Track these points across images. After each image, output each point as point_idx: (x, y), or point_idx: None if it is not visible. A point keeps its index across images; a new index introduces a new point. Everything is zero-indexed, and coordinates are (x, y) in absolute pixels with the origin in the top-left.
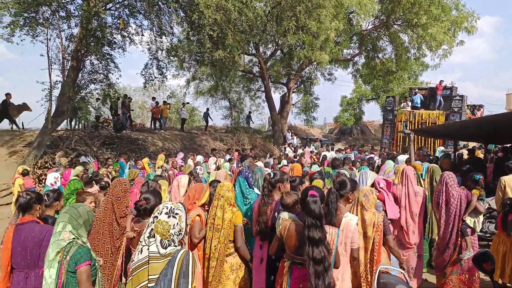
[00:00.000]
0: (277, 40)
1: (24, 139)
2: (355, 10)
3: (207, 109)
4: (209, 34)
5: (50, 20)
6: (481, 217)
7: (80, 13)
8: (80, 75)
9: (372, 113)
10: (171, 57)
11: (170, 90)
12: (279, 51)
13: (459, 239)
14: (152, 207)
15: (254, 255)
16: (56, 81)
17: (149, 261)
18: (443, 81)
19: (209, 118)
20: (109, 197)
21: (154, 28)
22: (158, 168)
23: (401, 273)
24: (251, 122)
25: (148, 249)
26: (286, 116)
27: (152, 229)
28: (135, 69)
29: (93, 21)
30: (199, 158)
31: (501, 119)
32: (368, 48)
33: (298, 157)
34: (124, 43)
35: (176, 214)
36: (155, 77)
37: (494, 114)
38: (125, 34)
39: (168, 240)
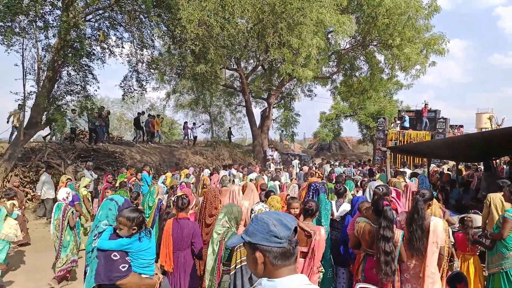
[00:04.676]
0: (258, 55)
1: None
2: (334, 29)
3: (230, 127)
4: (191, 48)
5: (26, 29)
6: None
7: (58, 23)
8: (56, 86)
9: (350, 129)
10: (152, 70)
11: (149, 102)
12: (260, 67)
13: None
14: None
15: None
16: (31, 91)
17: None
18: (427, 104)
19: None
20: (204, 202)
21: (134, 40)
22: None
23: None
24: (232, 136)
25: None
26: (266, 131)
27: None
28: (113, 80)
29: (72, 32)
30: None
31: (463, 140)
32: (346, 67)
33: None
34: (103, 54)
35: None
36: (134, 90)
37: (459, 134)
38: (104, 46)
39: None
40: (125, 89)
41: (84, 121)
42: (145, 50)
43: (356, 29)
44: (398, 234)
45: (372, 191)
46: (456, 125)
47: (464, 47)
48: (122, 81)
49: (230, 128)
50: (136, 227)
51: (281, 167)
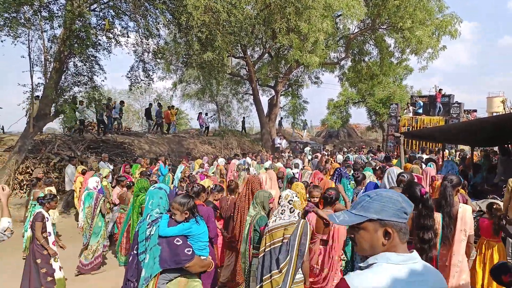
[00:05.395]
0: (265, 42)
1: (4, 143)
2: (343, 13)
3: (244, 117)
4: (198, 35)
5: (32, 20)
6: None
7: (63, 13)
8: (63, 77)
9: (358, 116)
10: (158, 60)
11: (156, 93)
12: (266, 54)
13: None
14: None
15: None
16: (38, 83)
17: (288, 226)
18: (442, 89)
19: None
20: (248, 189)
21: (140, 30)
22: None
23: None
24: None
25: (289, 218)
26: (274, 119)
27: (292, 207)
28: (120, 72)
29: (77, 22)
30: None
31: (476, 123)
32: (355, 52)
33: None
34: (109, 44)
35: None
36: (141, 80)
37: (477, 118)
38: (110, 35)
39: (299, 212)
40: (132, 80)
41: (92, 112)
42: (150, 39)
43: (366, 12)
44: (438, 217)
45: (391, 177)
46: (470, 110)
47: (472, 30)
48: (129, 72)
49: (244, 117)
50: (188, 212)
51: (290, 155)
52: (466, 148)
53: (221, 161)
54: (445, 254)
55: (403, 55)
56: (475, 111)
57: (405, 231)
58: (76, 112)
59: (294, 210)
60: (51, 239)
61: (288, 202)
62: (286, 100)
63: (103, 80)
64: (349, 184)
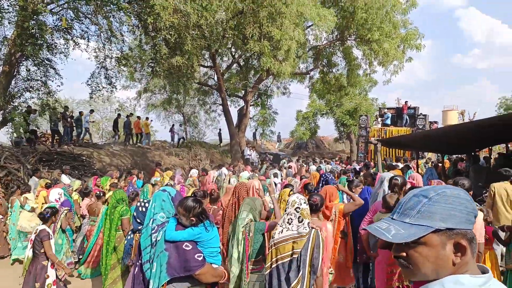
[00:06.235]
0: (235, 51)
1: None
2: (314, 22)
3: (220, 129)
4: (166, 38)
5: None
6: None
7: (15, 9)
8: (13, 82)
9: (326, 127)
10: (122, 66)
11: (118, 102)
12: (235, 64)
13: None
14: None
15: None
16: None
17: (296, 238)
18: (407, 101)
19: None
20: (235, 197)
21: (102, 34)
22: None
23: None
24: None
25: (297, 229)
26: (244, 130)
27: (300, 216)
28: (78, 83)
29: (31, 20)
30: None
31: (449, 131)
32: (323, 63)
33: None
34: (67, 47)
35: (306, 201)
36: (103, 87)
37: (452, 125)
38: (68, 37)
39: (309, 222)
40: (93, 87)
41: (46, 120)
42: (113, 44)
43: (336, 22)
44: None
45: (385, 182)
46: (432, 122)
47: (428, 47)
48: (89, 78)
49: (220, 129)
50: (194, 218)
51: (266, 165)
52: (433, 157)
53: (194, 172)
54: None
55: (370, 67)
56: (436, 122)
57: (476, 242)
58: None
59: (303, 220)
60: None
61: (295, 210)
62: (255, 110)
63: (59, 86)
64: None
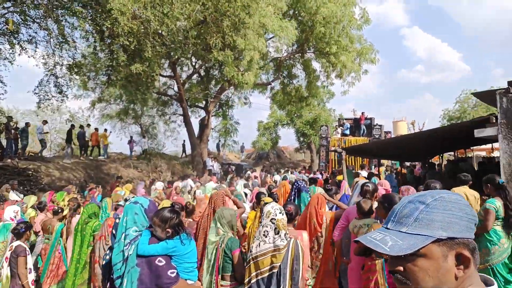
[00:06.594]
0: (196, 60)
1: None
2: (276, 33)
3: (184, 140)
4: (124, 45)
5: None
6: None
7: None
8: None
9: (286, 137)
10: (73, 74)
11: (69, 113)
12: (196, 75)
13: None
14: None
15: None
16: None
17: (274, 252)
18: (364, 112)
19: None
20: (210, 207)
21: (52, 39)
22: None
23: None
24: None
25: (273, 242)
26: (206, 141)
27: (276, 228)
28: (23, 93)
29: None
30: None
31: (417, 138)
32: (284, 75)
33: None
34: (12, 52)
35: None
36: (53, 96)
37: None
38: (14, 41)
39: (286, 233)
40: (41, 96)
41: None
42: (65, 51)
43: (296, 35)
44: None
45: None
46: (386, 132)
47: (374, 65)
48: (37, 87)
49: (184, 141)
50: (170, 229)
51: (230, 176)
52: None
53: (159, 184)
54: None
55: (328, 79)
56: (389, 132)
57: (477, 252)
58: None
59: (279, 232)
60: (31, 277)
61: (271, 221)
62: (217, 121)
63: (3, 94)
64: (309, 197)
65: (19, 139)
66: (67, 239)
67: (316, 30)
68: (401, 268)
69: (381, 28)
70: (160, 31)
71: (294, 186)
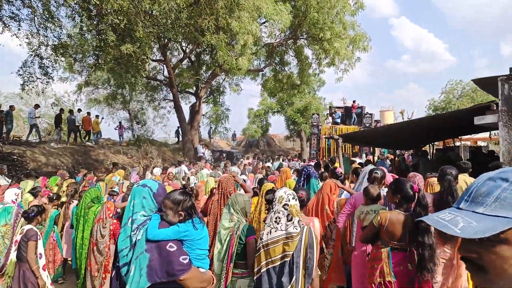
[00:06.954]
0: (186, 45)
1: None
2: (271, 17)
3: (178, 127)
4: (113, 24)
5: None
6: None
7: None
8: None
9: (276, 125)
10: (59, 55)
11: (55, 96)
12: (186, 60)
13: None
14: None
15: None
16: None
17: (287, 239)
18: (355, 101)
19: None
20: (220, 193)
21: (36, 17)
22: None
23: None
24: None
25: (286, 229)
26: (197, 127)
27: (289, 214)
28: (6, 75)
29: None
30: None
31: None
32: (276, 61)
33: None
34: None
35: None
36: (38, 78)
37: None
38: None
39: (299, 219)
40: (25, 78)
41: None
42: (49, 30)
43: (290, 20)
44: None
45: (368, 175)
46: (376, 120)
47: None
48: (21, 67)
49: (178, 127)
50: (183, 212)
51: (223, 163)
52: (377, 152)
53: (157, 170)
54: (452, 254)
55: (319, 67)
56: (379, 121)
57: None
58: None
59: (292, 218)
60: (42, 262)
61: (283, 207)
62: (207, 107)
63: None
64: (319, 184)
65: (4, 123)
66: (63, 224)
67: (310, 15)
68: (475, 255)
69: (370, 17)
70: (151, 10)
71: (303, 172)
